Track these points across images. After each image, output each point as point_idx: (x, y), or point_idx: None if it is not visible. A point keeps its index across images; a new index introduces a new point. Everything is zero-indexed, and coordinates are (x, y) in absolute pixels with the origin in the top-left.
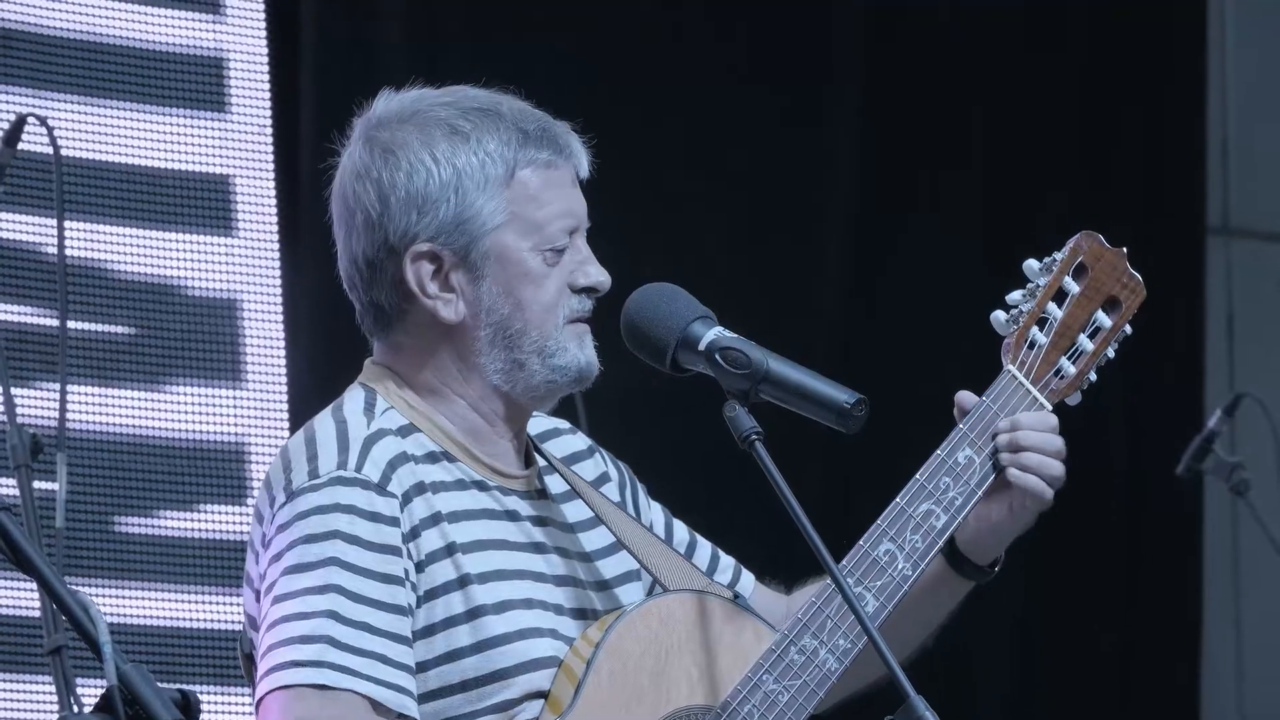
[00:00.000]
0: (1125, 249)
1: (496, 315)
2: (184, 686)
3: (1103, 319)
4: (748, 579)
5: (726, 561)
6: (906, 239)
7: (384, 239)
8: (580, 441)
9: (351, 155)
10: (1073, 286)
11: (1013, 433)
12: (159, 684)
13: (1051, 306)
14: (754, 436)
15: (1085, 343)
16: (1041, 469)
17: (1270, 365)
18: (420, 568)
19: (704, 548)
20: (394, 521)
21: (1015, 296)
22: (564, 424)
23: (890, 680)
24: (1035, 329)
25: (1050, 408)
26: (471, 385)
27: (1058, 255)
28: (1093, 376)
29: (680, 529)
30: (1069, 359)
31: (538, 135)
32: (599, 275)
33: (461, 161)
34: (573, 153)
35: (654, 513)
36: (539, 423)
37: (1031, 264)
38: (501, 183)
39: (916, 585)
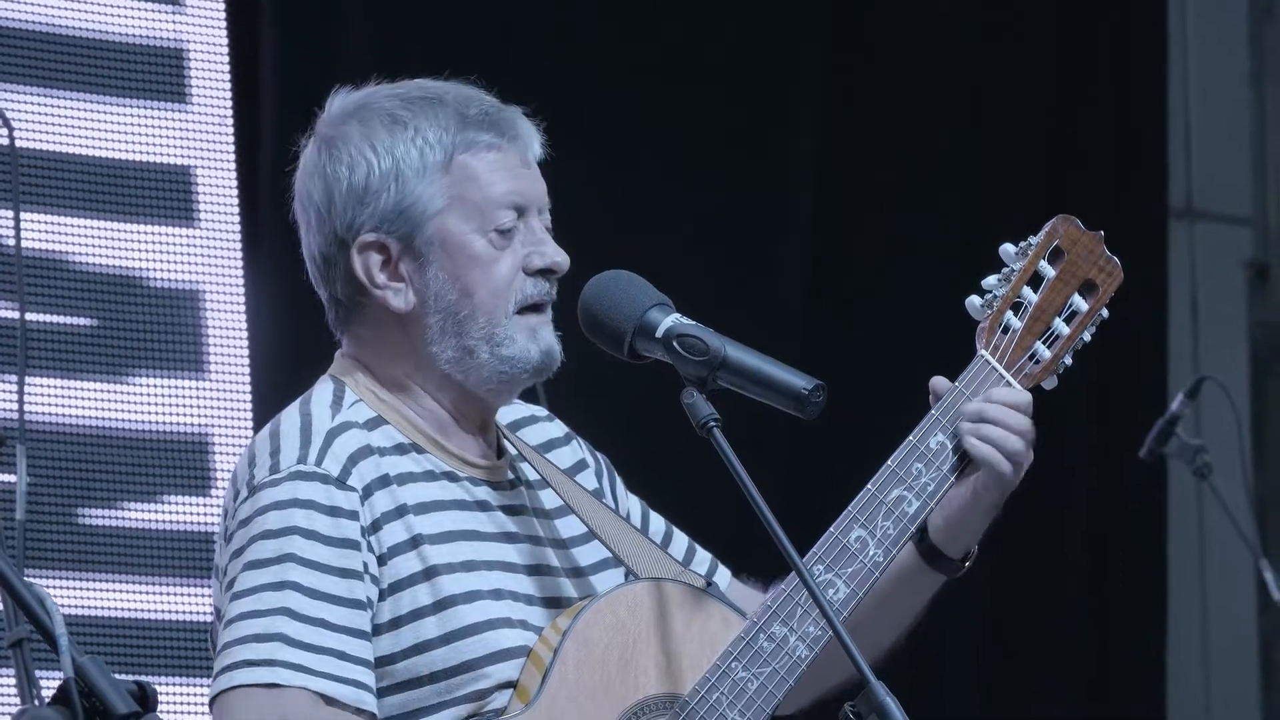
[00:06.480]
0: (1103, 232)
1: (444, 301)
2: (140, 678)
3: (1079, 303)
4: (724, 574)
5: (702, 556)
6: (872, 226)
7: (333, 233)
8: (557, 429)
9: (305, 154)
10: (1048, 270)
11: (980, 406)
12: (118, 676)
13: (1026, 291)
14: (712, 423)
15: (1061, 327)
16: (1001, 442)
17: (1233, 348)
18: (382, 560)
19: (680, 540)
20: (353, 515)
21: (990, 281)
22: (541, 411)
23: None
24: (1010, 313)
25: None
26: (428, 376)
27: (1033, 239)
28: (1068, 361)
29: (657, 521)
30: (1044, 343)
31: (478, 119)
32: (555, 255)
33: (400, 150)
34: (519, 135)
35: (631, 504)
36: (514, 410)
37: (1007, 248)
38: (440, 168)
39: (888, 579)
